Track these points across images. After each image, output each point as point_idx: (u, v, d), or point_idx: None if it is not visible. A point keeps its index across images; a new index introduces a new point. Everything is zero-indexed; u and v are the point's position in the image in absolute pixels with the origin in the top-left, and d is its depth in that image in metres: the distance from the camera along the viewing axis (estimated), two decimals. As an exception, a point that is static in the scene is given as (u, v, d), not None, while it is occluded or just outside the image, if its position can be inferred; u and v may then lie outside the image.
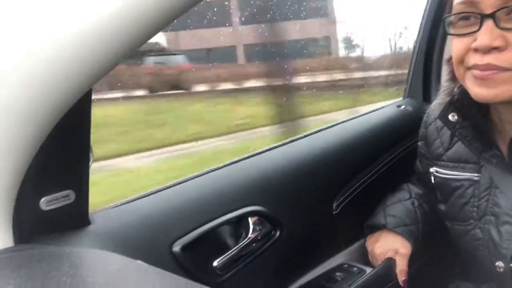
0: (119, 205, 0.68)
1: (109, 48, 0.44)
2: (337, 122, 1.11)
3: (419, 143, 0.84)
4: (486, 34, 0.59)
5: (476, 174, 0.72)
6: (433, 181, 0.79)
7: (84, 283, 0.37)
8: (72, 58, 0.43)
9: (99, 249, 0.53)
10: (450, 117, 0.70)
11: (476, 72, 0.61)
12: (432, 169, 0.79)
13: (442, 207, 0.78)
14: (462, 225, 0.74)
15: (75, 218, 0.58)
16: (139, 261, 0.47)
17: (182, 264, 0.65)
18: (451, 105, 0.70)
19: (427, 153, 0.81)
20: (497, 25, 0.59)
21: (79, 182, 0.57)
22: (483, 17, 0.59)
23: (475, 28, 0.60)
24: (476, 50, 0.60)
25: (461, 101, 0.69)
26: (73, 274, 0.38)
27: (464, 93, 0.68)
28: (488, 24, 0.59)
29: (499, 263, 0.68)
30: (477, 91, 0.62)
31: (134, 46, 0.46)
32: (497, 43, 0.59)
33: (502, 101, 0.62)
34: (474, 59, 0.61)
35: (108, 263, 0.45)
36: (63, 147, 0.53)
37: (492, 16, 0.59)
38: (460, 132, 0.70)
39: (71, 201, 0.55)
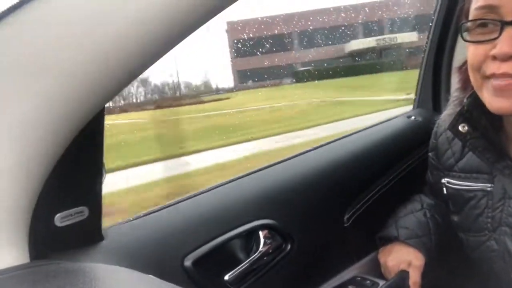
0: (132, 220, 0.69)
1: (123, 67, 0.46)
2: (346, 134, 1.11)
3: (430, 154, 0.84)
4: (506, 41, 0.57)
5: (489, 185, 0.71)
6: (445, 192, 0.78)
7: None
8: (87, 76, 0.45)
9: (112, 264, 0.54)
10: (460, 128, 0.69)
11: (495, 83, 0.60)
12: (444, 180, 0.78)
13: (455, 218, 0.77)
14: (477, 236, 0.73)
15: (88, 233, 0.59)
16: (151, 276, 0.47)
17: (193, 279, 0.65)
18: (461, 116, 0.69)
19: (438, 164, 0.81)
20: None
21: (93, 198, 0.58)
22: (504, 24, 0.58)
23: (495, 35, 0.59)
24: (494, 57, 0.59)
25: (471, 112, 0.68)
26: (87, 289, 0.39)
27: (474, 103, 0.67)
28: (509, 31, 0.58)
29: None
30: (495, 102, 0.61)
31: (147, 65, 0.48)
32: None
33: None
34: (492, 67, 0.59)
35: (121, 278, 0.45)
36: (77, 164, 0.54)
37: (508, 23, 0.58)
38: (471, 143, 0.69)
39: (84, 217, 0.56)
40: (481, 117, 0.67)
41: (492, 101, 0.61)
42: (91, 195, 0.57)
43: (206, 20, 0.45)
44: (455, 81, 1.23)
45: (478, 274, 0.78)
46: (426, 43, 1.28)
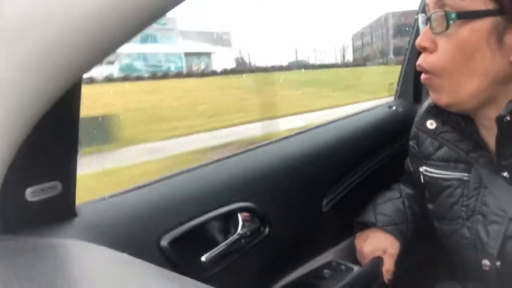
0: (107, 198, 0.67)
1: (102, 37, 0.43)
2: (328, 121, 1.11)
3: (411, 142, 0.85)
4: (421, 35, 0.64)
5: (466, 174, 0.72)
6: (422, 180, 0.79)
7: (68, 274, 0.36)
8: (62, 45, 0.42)
9: (85, 242, 0.52)
10: (428, 125, 0.72)
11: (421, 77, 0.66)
12: (421, 169, 0.79)
13: (430, 206, 0.79)
14: (451, 224, 0.74)
15: (61, 209, 0.57)
16: (125, 254, 0.46)
17: (169, 259, 0.64)
18: (428, 113, 0.72)
19: (418, 153, 0.82)
20: (431, 27, 0.63)
21: (66, 174, 0.56)
22: (427, 19, 0.64)
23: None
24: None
25: (437, 107, 0.71)
26: (57, 265, 0.38)
27: None
28: (428, 26, 0.64)
29: (486, 262, 0.68)
30: (430, 95, 0.67)
31: (130, 34, 0.45)
32: (425, 43, 0.63)
33: (444, 105, 0.66)
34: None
35: (93, 255, 0.44)
36: (51, 138, 0.52)
37: (429, 19, 0.63)
38: (442, 137, 0.72)
39: (57, 192, 0.54)
40: (450, 112, 0.69)
41: (430, 94, 0.68)
42: (64, 170, 0.55)
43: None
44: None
45: (449, 262, 0.81)
46: (411, 34, 1.28)
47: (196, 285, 0.35)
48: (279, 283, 0.81)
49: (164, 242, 0.64)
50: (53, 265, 0.38)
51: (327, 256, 0.89)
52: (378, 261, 0.80)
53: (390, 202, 0.86)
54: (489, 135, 0.69)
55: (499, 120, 0.63)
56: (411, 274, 0.84)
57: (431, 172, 0.77)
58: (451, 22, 0.60)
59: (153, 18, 0.42)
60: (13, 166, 0.48)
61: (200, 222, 0.70)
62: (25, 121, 0.47)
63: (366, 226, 0.85)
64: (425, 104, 0.77)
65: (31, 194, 0.52)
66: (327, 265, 0.84)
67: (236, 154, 0.87)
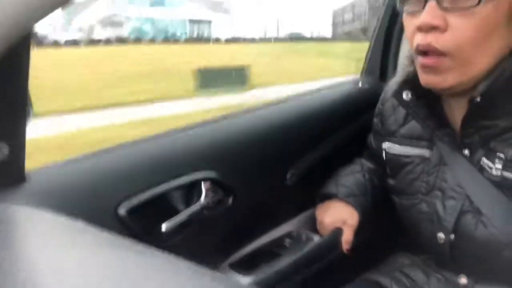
0: (61, 164, 0.63)
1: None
2: (296, 95, 1.10)
3: (375, 120, 0.86)
4: (428, 12, 0.59)
5: (428, 151, 0.74)
6: (384, 157, 0.81)
7: (12, 244, 0.33)
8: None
9: (34, 208, 0.49)
10: (404, 95, 0.71)
11: (422, 60, 0.62)
12: (384, 145, 0.81)
13: (391, 181, 0.81)
14: (410, 199, 0.76)
15: (8, 174, 0.53)
16: (79, 221, 0.44)
17: (128, 227, 0.62)
18: (405, 84, 0.71)
19: (381, 130, 0.83)
20: (439, 4, 0.59)
21: (14, 135, 0.52)
22: None
23: (421, 7, 0.61)
24: (420, 29, 0.61)
25: (415, 80, 0.70)
26: (1, 231, 0.35)
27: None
28: (432, 3, 0.59)
29: (440, 235, 0.71)
30: (424, 77, 0.64)
31: None
32: (436, 22, 0.59)
33: (448, 87, 0.63)
34: (417, 39, 0.61)
35: (43, 222, 0.41)
36: None
37: None
38: (414, 110, 0.72)
39: (3, 155, 0.50)
40: (424, 86, 0.69)
41: (422, 77, 0.65)
42: (12, 132, 0.51)
43: None
44: (404, 52, 1.26)
45: (405, 235, 0.84)
46: (380, 13, 1.28)
47: (153, 253, 0.34)
48: (240, 252, 0.81)
49: (122, 210, 0.62)
50: None
51: (289, 226, 0.90)
52: (337, 232, 0.82)
53: (352, 175, 0.88)
54: (455, 114, 0.71)
55: (471, 101, 0.64)
56: (367, 246, 0.86)
57: (394, 149, 0.79)
58: None
59: None
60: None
61: (161, 191, 0.68)
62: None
63: (328, 197, 0.86)
64: (394, 81, 0.77)
65: (-27, 156, 0.48)
66: (288, 234, 0.85)
67: (201, 124, 0.85)
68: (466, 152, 0.69)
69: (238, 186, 0.79)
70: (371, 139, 0.89)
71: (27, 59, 0.50)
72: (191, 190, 0.74)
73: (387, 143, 0.80)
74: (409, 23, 0.64)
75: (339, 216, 0.83)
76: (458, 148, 0.69)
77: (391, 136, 0.80)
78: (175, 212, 0.71)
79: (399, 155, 0.78)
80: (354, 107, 1.10)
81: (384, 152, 0.81)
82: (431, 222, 0.72)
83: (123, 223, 0.62)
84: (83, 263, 0.32)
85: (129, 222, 0.62)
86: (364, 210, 0.84)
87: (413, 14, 0.63)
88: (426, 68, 0.63)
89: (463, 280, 0.73)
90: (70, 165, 0.64)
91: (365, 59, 1.34)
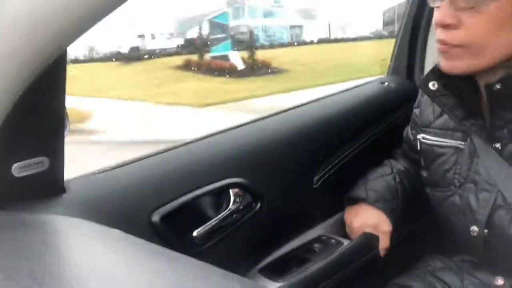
0: (96, 173, 0.66)
1: (86, 7, 0.41)
2: (319, 97, 1.10)
3: (415, 110, 0.86)
4: (441, 11, 0.64)
5: (462, 142, 0.74)
6: (419, 148, 0.81)
7: (57, 251, 0.36)
8: (46, 14, 0.40)
9: (74, 218, 0.52)
10: (430, 85, 0.72)
11: (438, 46, 0.67)
12: (419, 136, 0.81)
13: (424, 173, 0.81)
14: (443, 191, 0.76)
15: (49, 185, 0.56)
16: (117, 230, 0.46)
17: (161, 234, 0.64)
18: (433, 74, 0.72)
19: (419, 120, 0.83)
20: (451, 3, 0.62)
21: (54, 149, 0.55)
22: None
23: (438, 4, 0.64)
24: (436, 25, 0.65)
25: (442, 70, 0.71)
26: (46, 241, 0.37)
27: None
28: (446, 2, 0.63)
29: (474, 228, 0.70)
30: (441, 62, 0.68)
31: (114, 5, 0.44)
32: (448, 20, 0.63)
33: (460, 73, 0.67)
34: (437, 33, 0.66)
35: (83, 231, 0.44)
36: (37, 112, 0.51)
37: None
38: (440, 100, 0.72)
39: (44, 168, 0.53)
40: (453, 76, 0.69)
41: (440, 62, 0.68)
42: (52, 145, 0.54)
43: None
44: (431, 50, 1.24)
45: (436, 234, 0.82)
46: (405, 10, 1.26)
47: (186, 260, 0.35)
48: (269, 258, 0.82)
49: (156, 218, 0.64)
50: (41, 241, 0.37)
51: (318, 231, 0.90)
52: (368, 236, 0.81)
53: (381, 178, 0.87)
54: (483, 105, 0.70)
55: (488, 88, 0.66)
56: (399, 249, 0.85)
57: (429, 139, 0.79)
58: None
59: None
60: (-2, 141, 0.47)
61: (192, 198, 0.69)
62: (9, 95, 0.45)
63: (356, 201, 0.85)
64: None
65: (18, 169, 0.51)
66: (317, 239, 0.85)
67: (227, 130, 0.86)
68: (498, 145, 0.68)
69: (266, 191, 0.80)
70: (408, 130, 0.89)
71: (64, 76, 0.53)
72: (220, 196, 0.75)
73: (422, 134, 0.81)
74: (434, 17, 0.68)
75: (368, 221, 0.82)
76: (490, 140, 0.69)
77: (427, 127, 0.81)
78: (205, 218, 0.72)
79: (434, 145, 0.78)
80: (381, 107, 1.09)
81: (419, 143, 0.81)
82: (464, 215, 0.72)
83: (156, 230, 0.64)
84: (122, 269, 0.34)
85: (162, 228, 0.64)
86: (395, 214, 0.83)
87: (436, 9, 0.66)
88: (442, 53, 0.67)
89: (499, 281, 0.71)
90: (106, 174, 0.67)
91: (391, 58, 1.32)
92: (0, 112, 0.46)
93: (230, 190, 0.76)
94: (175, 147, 0.77)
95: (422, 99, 0.84)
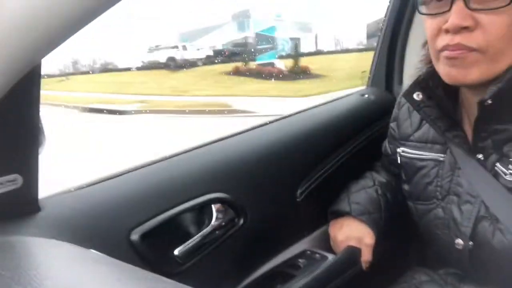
0: (73, 190, 0.64)
1: (60, 19, 0.40)
2: (301, 110, 1.10)
3: (391, 124, 0.86)
4: (456, 14, 0.60)
5: (442, 155, 0.74)
6: (399, 161, 0.81)
7: (29, 276, 0.34)
8: (20, 26, 0.39)
9: (49, 238, 0.49)
10: (415, 96, 0.71)
11: (447, 52, 0.62)
12: (399, 149, 0.81)
13: (406, 187, 0.80)
14: (425, 204, 0.76)
15: (23, 204, 0.54)
16: (92, 251, 0.44)
17: (140, 253, 0.62)
18: (417, 85, 0.72)
19: (397, 134, 0.83)
20: (467, 5, 0.59)
21: (27, 166, 0.52)
22: None
23: (446, 8, 0.61)
24: (447, 31, 0.61)
25: (427, 81, 0.70)
26: (16, 266, 0.35)
27: (431, 74, 0.69)
28: (459, 4, 0.60)
29: (459, 241, 0.70)
30: (449, 71, 0.63)
31: (89, 18, 0.42)
32: (466, 23, 0.59)
33: (472, 82, 0.63)
34: (445, 39, 0.62)
35: (57, 253, 0.41)
36: (8, 128, 0.48)
37: None
38: (425, 111, 0.72)
39: (18, 186, 0.51)
40: (437, 87, 0.69)
41: (447, 72, 0.64)
42: (25, 163, 0.52)
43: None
44: (409, 62, 1.26)
45: (421, 247, 0.82)
46: (383, 23, 1.29)
47: (166, 283, 0.34)
48: (254, 274, 0.80)
49: (135, 236, 0.62)
50: (10, 266, 0.35)
51: (302, 245, 0.88)
52: (353, 250, 0.80)
53: (364, 191, 0.87)
54: (468, 117, 0.71)
55: (481, 103, 0.64)
56: (383, 262, 0.85)
57: (408, 153, 0.79)
58: None
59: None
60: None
61: (172, 215, 0.67)
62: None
63: (340, 214, 0.85)
64: (410, 84, 0.76)
65: (-12, 188, 0.48)
66: (302, 254, 0.84)
67: (207, 144, 0.85)
68: (480, 156, 0.68)
69: (249, 206, 0.79)
70: (386, 145, 0.89)
71: (38, 91, 0.51)
72: (202, 212, 0.73)
73: (402, 147, 0.80)
74: (430, 24, 0.64)
75: (352, 234, 0.81)
76: (472, 152, 0.69)
77: (406, 140, 0.80)
78: (186, 235, 0.70)
79: (414, 159, 0.78)
80: (361, 119, 1.10)
81: (399, 156, 0.81)
82: (448, 228, 0.71)
83: (136, 249, 0.61)
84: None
85: (142, 248, 0.62)
86: (379, 227, 0.83)
87: (435, 16, 0.63)
88: (452, 60, 0.62)
89: None
90: (82, 191, 0.64)
91: (370, 70, 1.34)
92: (-31, 128, 0.44)
93: (212, 206, 0.74)
94: (154, 162, 0.75)
95: (399, 112, 0.84)
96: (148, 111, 5.99)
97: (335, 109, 1.12)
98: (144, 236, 0.62)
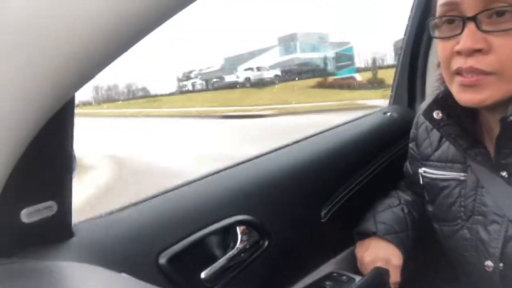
0: (103, 216, 0.66)
1: (95, 53, 0.43)
2: (323, 129, 1.11)
3: (410, 144, 0.85)
4: (468, 36, 0.59)
5: (463, 174, 0.72)
6: (421, 182, 0.80)
7: None
8: (55, 62, 0.42)
9: (82, 262, 0.51)
10: (434, 114, 0.70)
11: (462, 79, 0.61)
12: (420, 170, 0.80)
13: (430, 208, 0.79)
14: (450, 225, 0.74)
15: (57, 230, 0.56)
16: (123, 274, 0.45)
17: (168, 277, 0.63)
18: (436, 103, 0.71)
19: (417, 154, 0.82)
20: (479, 27, 0.59)
21: (62, 193, 0.55)
22: (465, 19, 0.59)
23: (458, 31, 0.61)
24: (459, 53, 0.61)
25: (446, 99, 0.69)
26: (54, 290, 0.37)
27: (448, 92, 0.68)
28: (470, 27, 0.59)
29: (488, 263, 0.68)
30: (463, 97, 0.63)
31: (121, 51, 0.45)
32: (479, 45, 0.59)
33: (488, 105, 0.62)
34: (458, 62, 0.61)
35: (90, 277, 0.43)
36: (45, 157, 0.51)
37: (473, 18, 0.59)
38: (445, 130, 0.71)
39: (53, 212, 0.54)
40: (456, 105, 0.67)
41: (461, 96, 0.63)
42: (60, 189, 0.54)
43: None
44: (430, 79, 1.26)
45: (450, 267, 0.80)
46: (403, 41, 1.29)
47: None
48: (280, 297, 0.80)
49: (163, 260, 0.63)
50: None
51: (328, 267, 0.88)
52: (380, 271, 0.79)
53: (389, 210, 0.86)
54: (489, 133, 0.70)
55: (503, 120, 0.62)
56: (413, 281, 0.83)
57: (430, 173, 0.78)
58: None
59: (153, 26, 0.41)
60: (7, 188, 0.47)
61: (198, 238, 0.69)
62: (18, 141, 0.46)
63: (366, 235, 0.84)
64: (427, 102, 0.76)
65: (26, 215, 0.51)
66: (328, 276, 0.83)
67: (231, 166, 0.86)
68: (504, 173, 0.66)
69: (273, 228, 0.79)
70: (407, 166, 0.87)
71: (72, 120, 0.54)
72: (227, 235, 0.74)
73: (423, 168, 0.79)
74: (443, 47, 0.64)
75: (380, 255, 0.80)
76: (495, 170, 0.67)
77: (426, 160, 0.79)
78: (212, 257, 0.71)
79: (436, 179, 0.76)
80: (385, 137, 1.10)
81: (421, 177, 0.80)
82: (476, 249, 0.69)
83: (164, 272, 0.63)
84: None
85: (170, 271, 0.63)
86: (405, 246, 0.81)
87: (448, 39, 0.63)
88: (467, 86, 0.61)
89: None
90: (112, 216, 0.67)
91: (392, 87, 1.34)
92: (10, 158, 0.47)
93: (237, 228, 0.75)
94: (179, 186, 0.77)
95: (417, 132, 0.83)
96: (278, 114, 7.66)
97: (357, 127, 1.12)
98: (171, 259, 0.64)
